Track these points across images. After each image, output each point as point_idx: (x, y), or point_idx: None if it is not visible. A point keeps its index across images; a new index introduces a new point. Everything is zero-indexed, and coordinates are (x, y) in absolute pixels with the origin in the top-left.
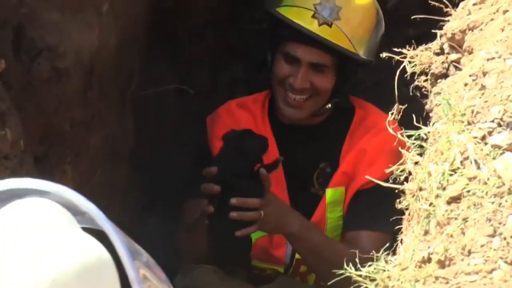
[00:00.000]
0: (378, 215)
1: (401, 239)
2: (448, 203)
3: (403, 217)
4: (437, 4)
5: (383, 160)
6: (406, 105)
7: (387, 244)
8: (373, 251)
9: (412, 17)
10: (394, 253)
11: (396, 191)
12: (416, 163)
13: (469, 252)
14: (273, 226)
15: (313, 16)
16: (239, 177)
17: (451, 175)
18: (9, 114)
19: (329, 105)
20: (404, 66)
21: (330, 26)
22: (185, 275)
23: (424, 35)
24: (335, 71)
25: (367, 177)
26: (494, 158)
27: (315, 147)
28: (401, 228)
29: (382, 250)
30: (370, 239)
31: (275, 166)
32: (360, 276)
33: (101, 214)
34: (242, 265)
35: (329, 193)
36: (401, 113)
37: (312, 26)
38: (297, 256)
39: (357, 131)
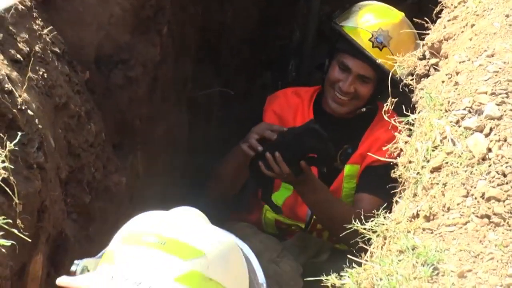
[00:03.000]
0: (378, 185)
1: (396, 201)
2: (431, 172)
3: (397, 185)
4: (419, 21)
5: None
6: (397, 98)
7: (381, 208)
8: (373, 211)
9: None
10: (390, 211)
11: (391, 163)
12: (406, 142)
13: (448, 209)
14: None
15: (370, 39)
16: (293, 151)
17: (433, 150)
18: (93, 112)
19: (364, 109)
20: (395, 69)
21: (381, 50)
22: (227, 230)
23: None
24: (375, 83)
25: (370, 154)
26: (466, 137)
27: (343, 133)
28: (395, 193)
29: (381, 209)
30: (369, 201)
31: (317, 165)
32: (364, 229)
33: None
34: (264, 192)
35: (347, 168)
36: (393, 104)
37: (367, 46)
38: (315, 216)
39: (376, 126)
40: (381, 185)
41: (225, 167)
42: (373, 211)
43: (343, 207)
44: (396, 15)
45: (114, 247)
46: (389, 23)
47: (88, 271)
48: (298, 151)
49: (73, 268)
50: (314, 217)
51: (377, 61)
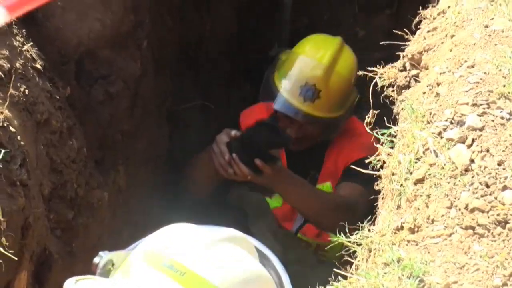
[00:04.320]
0: (356, 175)
1: (379, 212)
2: (415, 184)
3: (379, 196)
4: (399, 32)
5: (360, 147)
6: (379, 110)
7: (364, 195)
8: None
9: (381, 43)
10: (374, 223)
11: (374, 176)
12: (389, 154)
13: (432, 221)
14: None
15: (300, 94)
16: (247, 150)
17: (416, 162)
18: (74, 128)
19: (319, 139)
20: (376, 81)
21: (313, 102)
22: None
23: (387, 57)
24: (321, 125)
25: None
26: (448, 149)
27: (307, 158)
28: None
29: (365, 221)
30: (348, 187)
31: (273, 160)
32: (349, 242)
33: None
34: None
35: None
36: (375, 117)
37: (299, 102)
38: (299, 235)
39: (335, 143)
40: (359, 175)
41: (197, 170)
42: (354, 195)
43: (324, 196)
44: (322, 58)
45: (135, 260)
46: (314, 76)
47: (113, 265)
48: (252, 149)
49: (96, 260)
50: (298, 235)
51: (309, 116)
